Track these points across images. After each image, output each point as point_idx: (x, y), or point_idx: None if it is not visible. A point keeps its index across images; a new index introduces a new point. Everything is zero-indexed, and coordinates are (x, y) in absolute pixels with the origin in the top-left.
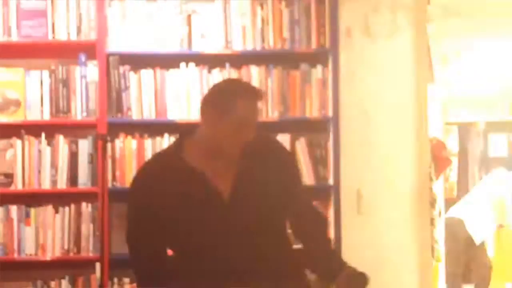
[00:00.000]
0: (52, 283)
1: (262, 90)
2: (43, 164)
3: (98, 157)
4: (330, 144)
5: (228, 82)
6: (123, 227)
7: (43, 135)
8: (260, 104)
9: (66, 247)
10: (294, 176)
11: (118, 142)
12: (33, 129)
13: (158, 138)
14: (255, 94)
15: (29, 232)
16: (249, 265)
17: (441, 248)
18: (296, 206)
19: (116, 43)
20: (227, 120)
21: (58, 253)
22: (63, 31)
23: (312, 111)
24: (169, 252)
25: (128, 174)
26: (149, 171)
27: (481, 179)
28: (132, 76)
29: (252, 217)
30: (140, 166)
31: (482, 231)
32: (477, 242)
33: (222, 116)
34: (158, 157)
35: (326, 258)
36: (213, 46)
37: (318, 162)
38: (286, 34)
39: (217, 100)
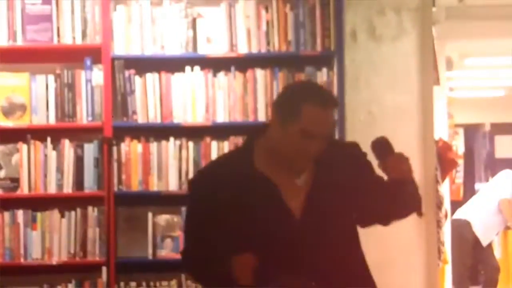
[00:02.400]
0: (59, 287)
1: (336, 98)
2: (49, 169)
3: (104, 161)
4: None
5: (299, 85)
6: (129, 230)
7: (48, 139)
8: (332, 114)
9: (72, 251)
10: (366, 167)
11: (124, 146)
12: (39, 133)
13: (163, 142)
14: (324, 101)
15: (35, 237)
16: (321, 279)
17: (447, 250)
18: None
19: (121, 47)
20: (291, 127)
21: (64, 257)
22: (68, 36)
23: None
24: None
25: (133, 177)
26: (215, 174)
27: (487, 181)
28: (138, 80)
29: (324, 235)
30: (204, 167)
31: (489, 233)
32: (484, 244)
33: (286, 122)
34: (225, 159)
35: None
36: (218, 49)
37: None
38: (291, 37)
39: (284, 103)
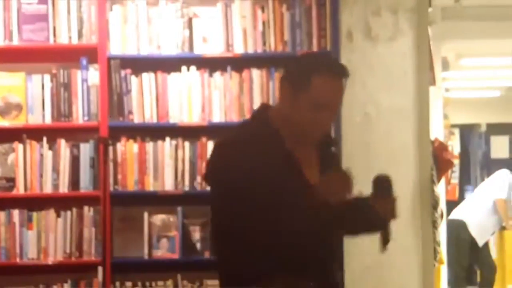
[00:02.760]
0: (54, 287)
1: (346, 68)
2: (44, 168)
3: (99, 161)
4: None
5: (308, 56)
6: (125, 230)
7: (44, 139)
8: (342, 84)
9: (68, 251)
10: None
11: (120, 146)
12: (35, 133)
13: (159, 142)
14: (334, 71)
15: (31, 236)
16: (330, 264)
17: (443, 250)
18: None
19: (117, 47)
20: (302, 99)
21: (60, 257)
22: (64, 35)
23: None
24: None
25: (129, 177)
26: (240, 144)
27: (483, 181)
28: (134, 80)
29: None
30: (226, 139)
31: (485, 233)
32: (480, 244)
33: (297, 95)
34: (250, 135)
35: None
36: (214, 49)
37: None
38: (287, 37)
39: (294, 75)
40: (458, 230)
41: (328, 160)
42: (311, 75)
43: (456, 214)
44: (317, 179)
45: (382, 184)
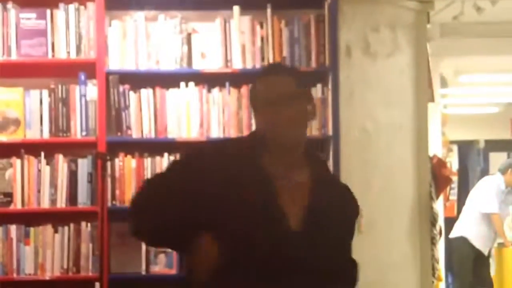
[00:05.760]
0: None
1: (284, 65)
2: (42, 184)
3: (97, 176)
4: (330, 162)
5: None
6: (123, 246)
7: (42, 154)
8: (286, 81)
9: (65, 266)
10: (352, 226)
11: (118, 161)
12: (33, 148)
13: (157, 157)
14: (272, 69)
15: (28, 252)
16: None
17: (442, 267)
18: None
19: (115, 62)
20: (258, 107)
21: (57, 273)
22: (63, 50)
23: (312, 130)
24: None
25: (127, 193)
26: (213, 153)
27: None
28: (132, 95)
29: (321, 255)
30: (208, 144)
31: (488, 241)
32: (486, 253)
33: (255, 106)
34: (229, 143)
35: None
36: (212, 65)
37: None
38: (285, 52)
39: (250, 92)
40: (460, 247)
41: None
42: (255, 81)
43: (456, 232)
44: (302, 218)
45: None
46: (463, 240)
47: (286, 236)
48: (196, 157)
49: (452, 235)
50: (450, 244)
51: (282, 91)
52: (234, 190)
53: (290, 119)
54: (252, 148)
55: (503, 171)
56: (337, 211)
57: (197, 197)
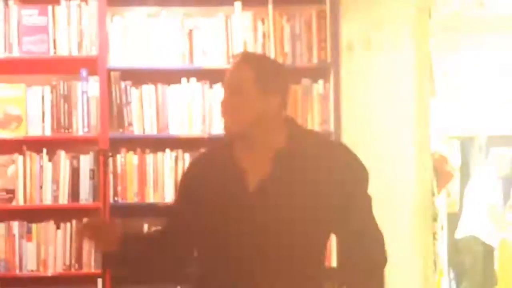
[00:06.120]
0: None
1: (249, 53)
2: (44, 180)
3: (99, 173)
4: None
5: None
6: None
7: (44, 150)
8: (245, 68)
9: (67, 263)
10: (349, 193)
11: (120, 158)
12: (35, 144)
13: (159, 154)
14: (235, 57)
15: (30, 248)
16: (261, 270)
17: (443, 263)
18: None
19: (117, 59)
20: None
21: (59, 269)
22: (64, 47)
23: (314, 126)
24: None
25: (129, 189)
26: (198, 165)
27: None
28: (134, 92)
29: (280, 216)
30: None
31: (494, 232)
32: (494, 244)
33: None
34: (210, 150)
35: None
36: (214, 61)
37: None
38: (287, 48)
39: None
40: (472, 247)
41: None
42: None
43: (464, 231)
44: (260, 180)
45: None
46: (474, 240)
47: (244, 199)
48: (187, 173)
49: (460, 234)
50: (457, 244)
51: (227, 79)
52: (212, 190)
53: (226, 108)
54: (226, 143)
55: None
56: (305, 183)
57: (195, 209)
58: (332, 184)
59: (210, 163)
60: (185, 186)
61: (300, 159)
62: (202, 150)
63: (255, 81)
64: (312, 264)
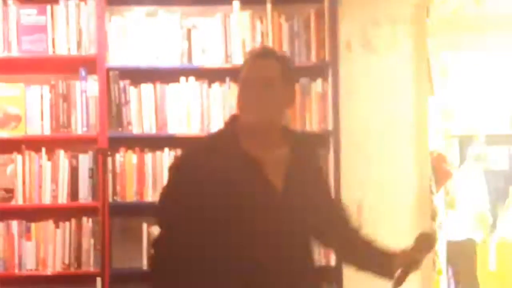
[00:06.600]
0: None
1: (273, 50)
2: (43, 179)
3: (98, 172)
4: (331, 157)
5: None
6: (124, 241)
7: (43, 150)
8: (269, 63)
9: (67, 262)
10: (326, 185)
11: (119, 157)
12: (34, 144)
13: (158, 153)
14: (258, 51)
15: (29, 247)
16: (280, 267)
17: (442, 261)
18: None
19: (116, 58)
20: (239, 87)
21: (59, 268)
22: (63, 46)
23: (312, 125)
24: None
25: (128, 188)
26: (200, 151)
27: None
28: (132, 91)
29: (300, 216)
30: (189, 148)
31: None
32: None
33: (238, 86)
34: (211, 138)
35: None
36: (213, 60)
37: None
38: (285, 48)
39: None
40: (470, 252)
41: (303, 165)
42: (244, 61)
43: (461, 234)
44: (283, 181)
45: (429, 241)
46: (471, 243)
47: (273, 199)
48: (185, 159)
49: (456, 237)
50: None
51: (253, 73)
52: (223, 181)
53: (259, 101)
54: (233, 134)
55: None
56: (312, 187)
57: (197, 197)
58: (322, 177)
59: (216, 153)
60: (187, 175)
61: (308, 159)
62: (201, 141)
63: (282, 74)
64: (311, 258)
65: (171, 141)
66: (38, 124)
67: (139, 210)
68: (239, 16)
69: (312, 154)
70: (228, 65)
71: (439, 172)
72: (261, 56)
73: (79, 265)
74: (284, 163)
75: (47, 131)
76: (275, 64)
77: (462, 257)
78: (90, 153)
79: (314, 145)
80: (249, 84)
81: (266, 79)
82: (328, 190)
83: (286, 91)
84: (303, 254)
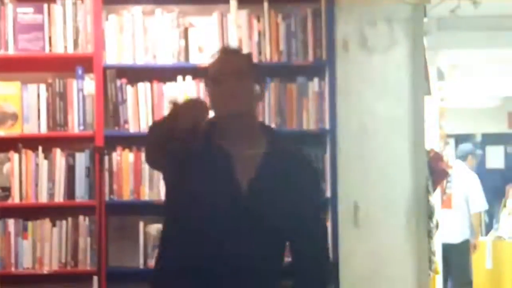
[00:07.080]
0: None
1: (236, 46)
2: (40, 178)
3: (95, 170)
4: (327, 156)
5: None
6: (120, 240)
7: (40, 148)
8: (234, 60)
9: (63, 260)
10: (310, 195)
11: (115, 155)
12: (30, 142)
13: None
14: (225, 49)
15: (26, 246)
16: (237, 262)
17: (438, 260)
18: (302, 225)
19: (113, 56)
20: (207, 86)
21: (55, 267)
22: (60, 45)
23: (309, 124)
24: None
25: (125, 187)
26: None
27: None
28: (129, 89)
29: (260, 217)
30: None
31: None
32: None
33: (205, 83)
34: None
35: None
36: (210, 59)
37: None
38: (282, 47)
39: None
40: (466, 252)
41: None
42: (210, 62)
43: (458, 236)
44: (250, 180)
45: None
46: (467, 244)
47: (237, 199)
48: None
49: (454, 240)
50: (451, 249)
51: (225, 68)
52: (197, 174)
53: (231, 94)
54: (207, 129)
55: (464, 158)
56: (284, 180)
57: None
58: (296, 183)
59: (193, 147)
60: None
61: (282, 155)
62: None
63: (250, 69)
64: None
65: None
66: (34, 123)
67: (136, 209)
68: (236, 15)
69: (291, 157)
70: (215, 60)
71: (436, 171)
72: (229, 53)
73: (75, 263)
74: (257, 161)
75: (44, 130)
76: (243, 60)
77: (458, 256)
78: (87, 151)
79: (297, 151)
80: (221, 79)
81: (237, 72)
82: (301, 199)
83: (255, 85)
84: (263, 254)
